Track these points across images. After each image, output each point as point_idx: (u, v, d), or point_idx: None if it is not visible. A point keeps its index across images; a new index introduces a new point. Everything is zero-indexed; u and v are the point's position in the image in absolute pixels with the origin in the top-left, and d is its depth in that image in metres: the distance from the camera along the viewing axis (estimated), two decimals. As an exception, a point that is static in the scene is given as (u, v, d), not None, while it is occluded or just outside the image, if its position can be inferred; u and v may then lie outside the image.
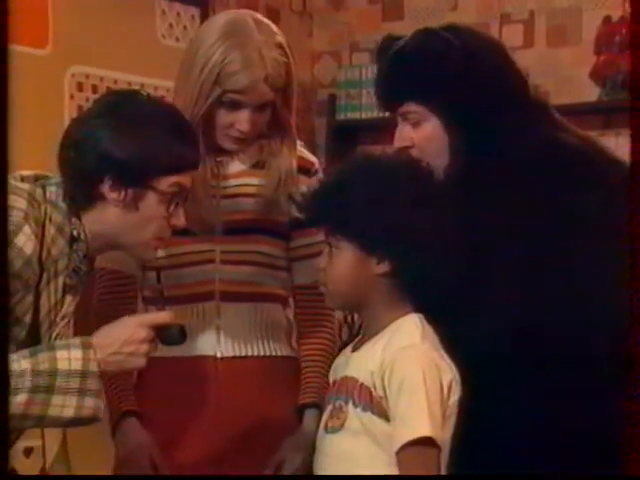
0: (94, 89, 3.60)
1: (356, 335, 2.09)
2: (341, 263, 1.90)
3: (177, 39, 3.93)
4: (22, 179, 1.96)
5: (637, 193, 1.11)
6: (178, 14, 4.01)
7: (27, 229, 1.87)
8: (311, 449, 2.27)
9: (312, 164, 2.38)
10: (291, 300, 2.43)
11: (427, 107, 2.02)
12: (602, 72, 4.09)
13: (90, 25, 3.57)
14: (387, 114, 2.14)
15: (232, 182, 2.30)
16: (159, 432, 2.23)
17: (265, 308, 2.32)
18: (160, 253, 2.16)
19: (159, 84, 3.58)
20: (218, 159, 2.28)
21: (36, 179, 1.98)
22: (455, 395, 1.84)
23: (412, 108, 2.03)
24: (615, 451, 1.53)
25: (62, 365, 1.84)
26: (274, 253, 2.33)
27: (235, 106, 2.22)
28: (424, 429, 1.78)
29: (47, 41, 3.47)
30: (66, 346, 1.87)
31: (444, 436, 1.82)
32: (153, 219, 1.97)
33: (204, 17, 3.92)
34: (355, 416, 1.87)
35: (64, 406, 1.84)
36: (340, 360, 1.99)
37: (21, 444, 2.20)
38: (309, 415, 2.28)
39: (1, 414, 1.04)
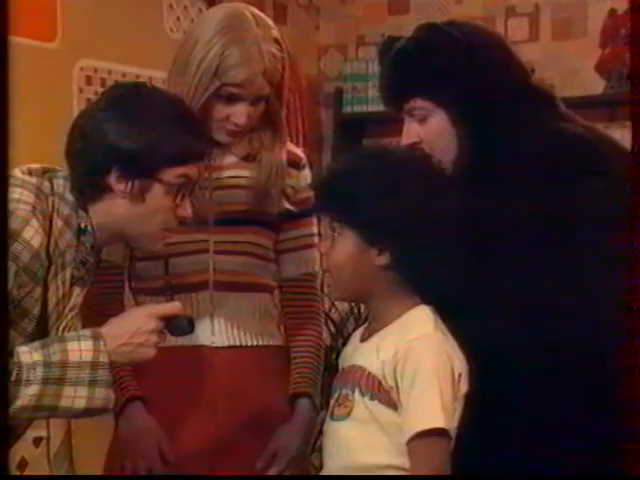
0: (102, 82, 3.61)
1: (360, 325, 2.09)
2: (342, 251, 1.91)
3: (184, 32, 3.94)
4: (30, 172, 1.97)
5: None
6: (185, 8, 4.03)
7: (35, 222, 1.89)
8: (305, 438, 2.30)
9: (300, 158, 2.41)
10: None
11: (433, 102, 2.02)
12: (607, 65, 4.10)
13: (98, 19, 3.59)
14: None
15: (223, 174, 2.32)
16: (158, 420, 2.24)
17: (258, 298, 2.34)
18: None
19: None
20: (209, 151, 2.30)
21: (44, 172, 1.99)
22: (465, 387, 1.85)
23: (418, 104, 2.03)
24: (619, 447, 1.55)
25: (73, 356, 1.86)
26: (265, 244, 2.35)
27: (232, 99, 2.23)
28: (437, 420, 1.80)
29: (56, 35, 3.49)
30: (76, 338, 1.89)
31: (453, 427, 1.83)
32: (159, 210, 1.98)
33: (211, 11, 3.93)
34: (362, 405, 1.88)
35: (75, 397, 1.86)
36: (348, 349, 2.00)
37: (31, 434, 2.22)
38: (301, 405, 2.31)
39: (1, 414, 1.06)
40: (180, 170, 1.98)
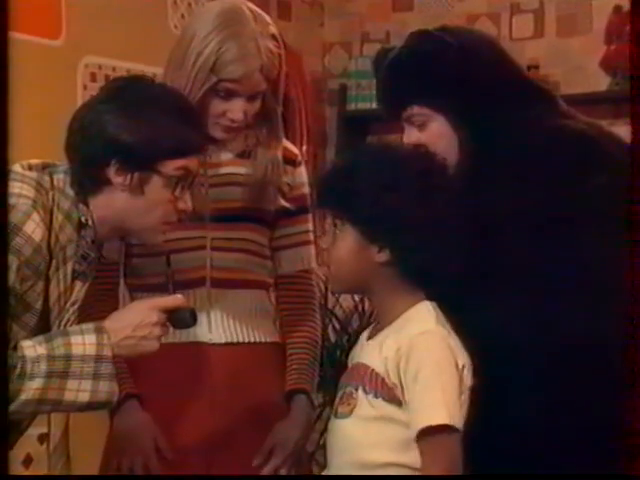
0: (107, 79, 3.61)
1: (368, 323, 2.09)
2: (343, 246, 1.92)
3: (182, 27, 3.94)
4: (30, 167, 1.97)
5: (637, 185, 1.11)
6: (190, 4, 4.03)
7: (35, 216, 1.89)
8: (302, 434, 2.30)
9: (296, 155, 2.41)
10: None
11: (431, 108, 2.03)
12: (612, 62, 4.10)
13: (103, 16, 3.59)
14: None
15: (219, 171, 2.32)
16: (155, 416, 2.24)
17: (254, 295, 2.34)
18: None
19: (171, 74, 3.59)
20: (204, 151, 2.29)
21: (44, 167, 1.99)
22: (469, 381, 1.85)
23: (416, 111, 2.04)
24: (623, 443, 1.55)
25: (77, 350, 1.86)
26: (261, 241, 2.35)
27: (228, 95, 2.23)
28: (441, 416, 1.80)
29: (60, 32, 3.50)
30: (80, 331, 1.89)
31: (460, 421, 1.83)
32: (159, 203, 1.99)
33: (216, 8, 3.93)
34: (365, 402, 1.88)
35: (79, 390, 1.87)
36: (356, 348, 2.00)
37: (36, 430, 2.22)
38: (297, 401, 2.31)
39: (1, 415, 1.06)
40: (179, 162, 1.98)
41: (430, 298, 1.92)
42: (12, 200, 1.86)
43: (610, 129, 2.11)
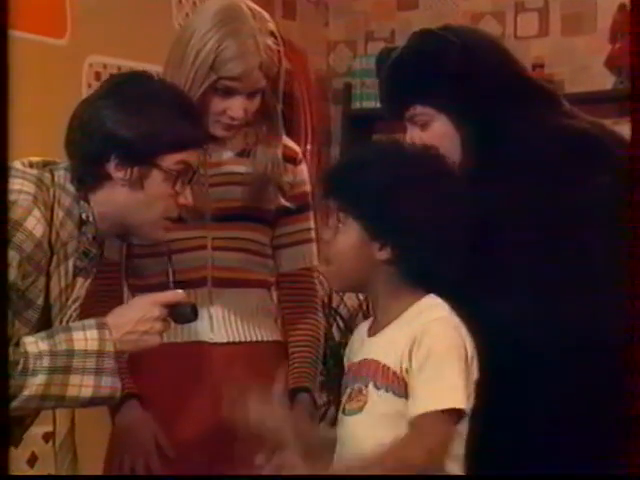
0: (111, 79, 3.62)
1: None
2: (344, 240, 1.91)
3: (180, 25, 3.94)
4: (30, 165, 1.98)
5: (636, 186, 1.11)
6: (194, 3, 4.03)
7: (36, 212, 1.90)
8: (306, 433, 2.30)
9: (297, 153, 2.41)
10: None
11: (433, 107, 2.02)
12: (617, 60, 4.09)
13: (107, 15, 3.59)
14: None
15: (220, 170, 2.32)
16: (157, 415, 2.25)
17: (255, 294, 2.34)
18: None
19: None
20: (205, 147, 2.30)
21: (44, 164, 2.00)
22: (476, 373, 1.85)
23: (419, 110, 2.04)
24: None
25: (79, 345, 1.87)
26: (263, 240, 2.35)
27: (228, 93, 2.23)
28: (449, 400, 1.78)
29: (65, 31, 3.50)
30: (82, 327, 1.90)
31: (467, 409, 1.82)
32: (159, 198, 1.99)
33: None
34: (377, 398, 1.86)
35: (82, 386, 1.87)
36: (354, 345, 1.99)
37: (40, 429, 2.23)
38: (300, 399, 2.30)
39: (1, 415, 1.06)
40: (178, 156, 1.98)
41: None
42: (13, 196, 1.87)
43: (613, 128, 2.11)
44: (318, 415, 2.44)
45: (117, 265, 2.31)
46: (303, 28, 4.58)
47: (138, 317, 1.92)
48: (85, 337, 1.88)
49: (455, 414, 1.80)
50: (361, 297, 4.01)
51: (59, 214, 1.94)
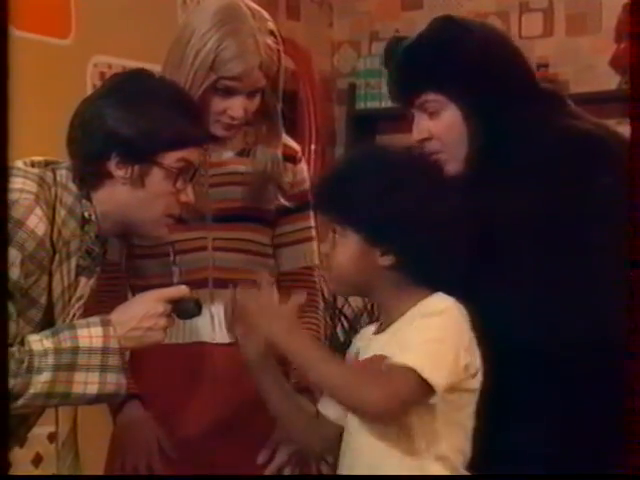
0: (115, 79, 3.62)
1: (373, 321, 2.07)
2: (345, 252, 1.90)
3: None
4: (32, 164, 1.99)
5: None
6: (199, 4, 4.03)
7: (38, 211, 1.90)
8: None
9: (296, 151, 2.41)
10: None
11: (446, 95, 2.02)
12: (622, 60, 4.08)
13: (112, 15, 3.60)
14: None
15: (219, 170, 2.31)
16: (159, 416, 2.25)
17: None
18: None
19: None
20: (205, 145, 2.29)
21: (46, 164, 2.01)
22: (478, 361, 1.84)
23: (431, 97, 2.03)
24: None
25: (83, 343, 1.88)
26: (263, 241, 2.35)
27: (228, 93, 2.22)
28: (427, 369, 1.76)
29: (70, 31, 3.50)
30: (86, 324, 1.91)
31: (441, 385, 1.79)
32: (160, 195, 1.99)
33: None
34: None
35: (87, 383, 1.88)
36: (361, 343, 1.99)
37: (45, 429, 2.23)
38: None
39: (1, 415, 1.06)
40: (179, 154, 1.98)
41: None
42: (15, 195, 1.87)
43: (617, 128, 2.11)
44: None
45: (118, 265, 2.31)
46: (307, 28, 4.58)
47: (142, 313, 1.92)
48: (90, 334, 1.89)
49: (426, 385, 1.77)
50: (366, 298, 4.00)
51: (61, 213, 1.95)
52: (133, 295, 2.33)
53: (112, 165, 1.96)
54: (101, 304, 2.16)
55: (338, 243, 1.92)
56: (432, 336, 1.80)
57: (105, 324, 1.90)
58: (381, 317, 1.99)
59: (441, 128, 2.02)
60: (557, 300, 1.92)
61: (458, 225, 1.88)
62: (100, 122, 1.96)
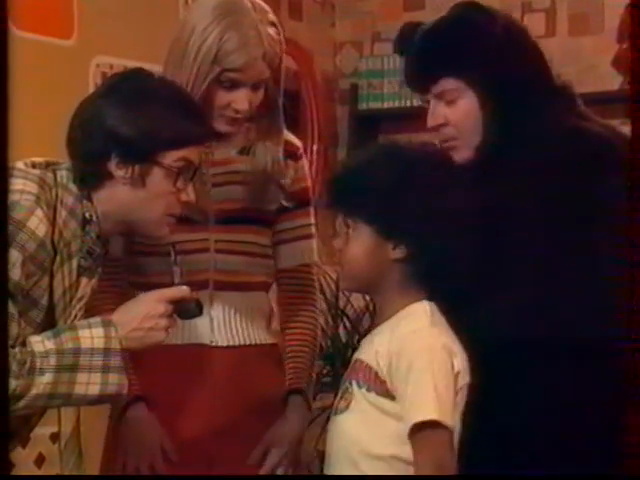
0: (117, 79, 3.62)
1: (375, 321, 2.08)
2: (358, 246, 1.92)
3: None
4: (33, 165, 1.99)
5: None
6: (197, 1, 4.02)
7: (39, 212, 1.90)
8: (297, 434, 2.29)
9: (297, 148, 2.40)
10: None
11: (465, 81, 2.00)
12: (625, 60, 4.09)
13: (114, 16, 3.60)
14: (409, 103, 2.14)
15: (222, 169, 2.31)
16: (158, 418, 2.24)
17: (255, 297, 2.33)
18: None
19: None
20: (206, 144, 2.29)
21: (47, 165, 2.00)
22: (464, 379, 1.85)
23: (449, 85, 2.01)
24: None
25: (85, 343, 1.88)
26: (264, 242, 2.34)
27: (233, 85, 2.21)
28: (431, 412, 1.80)
29: (72, 32, 3.50)
30: (87, 325, 1.91)
31: (455, 419, 1.83)
32: (161, 195, 1.99)
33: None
34: (360, 397, 1.88)
35: (89, 383, 1.88)
36: (360, 345, 2.01)
37: (47, 430, 2.23)
38: (292, 401, 2.30)
39: (1, 415, 1.06)
40: (179, 153, 1.98)
41: (432, 298, 1.92)
42: (15, 196, 1.87)
43: (620, 128, 2.11)
44: (310, 416, 2.43)
45: (119, 261, 2.30)
46: (309, 29, 4.58)
47: (143, 314, 1.93)
48: (91, 335, 1.89)
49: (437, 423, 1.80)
50: (368, 298, 4.00)
51: (62, 213, 1.95)
52: (133, 291, 2.34)
53: (112, 165, 1.96)
54: (104, 301, 2.17)
55: (351, 237, 1.93)
56: (419, 377, 1.81)
57: (106, 324, 1.90)
58: (376, 317, 2.01)
59: (458, 115, 2.02)
60: (564, 300, 1.92)
61: (469, 219, 1.89)
62: (100, 122, 1.96)
